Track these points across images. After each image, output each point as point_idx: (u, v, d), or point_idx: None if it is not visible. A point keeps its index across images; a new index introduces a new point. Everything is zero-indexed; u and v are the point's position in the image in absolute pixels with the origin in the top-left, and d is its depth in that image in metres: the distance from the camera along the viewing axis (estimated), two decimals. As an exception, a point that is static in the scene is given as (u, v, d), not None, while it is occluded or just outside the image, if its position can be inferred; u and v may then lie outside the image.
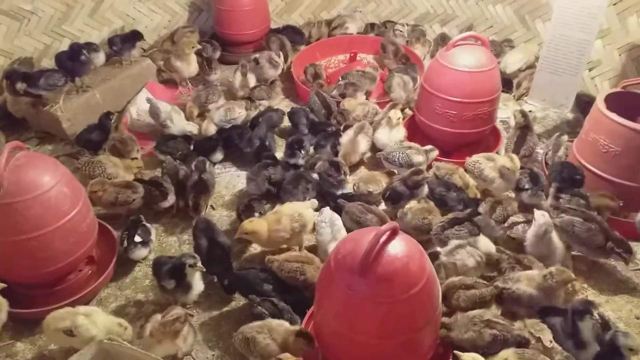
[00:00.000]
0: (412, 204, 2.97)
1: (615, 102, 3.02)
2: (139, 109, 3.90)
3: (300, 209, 2.80)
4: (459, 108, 3.31)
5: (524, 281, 2.45)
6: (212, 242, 2.68)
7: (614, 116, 2.90)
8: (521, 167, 3.20)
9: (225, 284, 2.61)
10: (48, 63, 4.11)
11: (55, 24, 4.24)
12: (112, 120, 3.59)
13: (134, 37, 4.22)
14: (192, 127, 3.70)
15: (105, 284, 2.74)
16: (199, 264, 2.48)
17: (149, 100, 3.66)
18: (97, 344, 2.20)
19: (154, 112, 3.61)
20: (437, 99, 3.35)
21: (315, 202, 2.93)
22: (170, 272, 2.45)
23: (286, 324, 2.25)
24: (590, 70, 4.19)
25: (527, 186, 3.03)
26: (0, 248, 2.38)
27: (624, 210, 2.99)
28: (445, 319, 2.26)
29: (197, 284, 2.52)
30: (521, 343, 2.21)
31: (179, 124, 3.65)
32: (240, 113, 3.76)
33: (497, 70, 3.36)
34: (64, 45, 4.23)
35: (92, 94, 3.86)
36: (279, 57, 4.39)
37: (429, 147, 3.37)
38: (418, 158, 3.28)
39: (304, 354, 2.17)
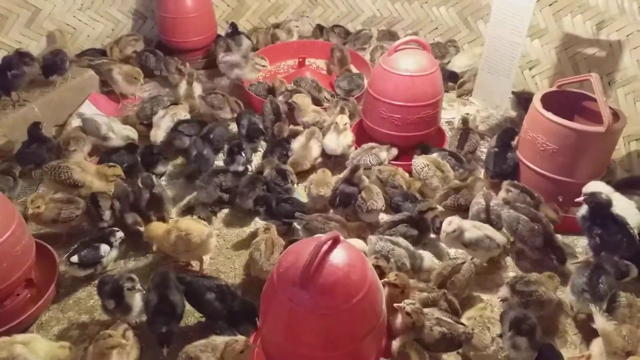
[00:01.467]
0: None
1: (552, 101, 3.13)
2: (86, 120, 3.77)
3: (192, 229, 2.69)
4: (403, 112, 3.35)
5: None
6: (163, 298, 2.41)
7: (549, 115, 3.00)
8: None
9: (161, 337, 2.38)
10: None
11: (-11, 35, 4.07)
12: (42, 130, 3.47)
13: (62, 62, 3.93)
14: (132, 133, 3.65)
15: (45, 307, 2.64)
16: (137, 286, 2.42)
17: (83, 119, 3.58)
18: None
19: (92, 127, 3.52)
20: (381, 103, 3.39)
21: (211, 232, 2.76)
22: (110, 293, 2.38)
23: (229, 340, 2.21)
24: (530, 69, 4.32)
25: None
26: None
27: (563, 205, 3.10)
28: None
29: (137, 305, 2.45)
30: (461, 343, 2.30)
31: (120, 133, 3.60)
32: (185, 116, 3.73)
33: (438, 73, 3.42)
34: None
35: (29, 108, 3.72)
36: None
37: (387, 145, 3.47)
38: (383, 155, 3.39)
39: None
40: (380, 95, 3.38)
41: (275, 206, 2.98)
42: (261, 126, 3.62)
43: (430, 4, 4.83)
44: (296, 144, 3.49)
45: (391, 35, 4.90)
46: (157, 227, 2.79)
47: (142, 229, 2.91)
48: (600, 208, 2.72)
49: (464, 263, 2.62)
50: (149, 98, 3.95)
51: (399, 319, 2.27)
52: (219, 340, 2.20)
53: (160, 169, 3.48)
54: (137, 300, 2.44)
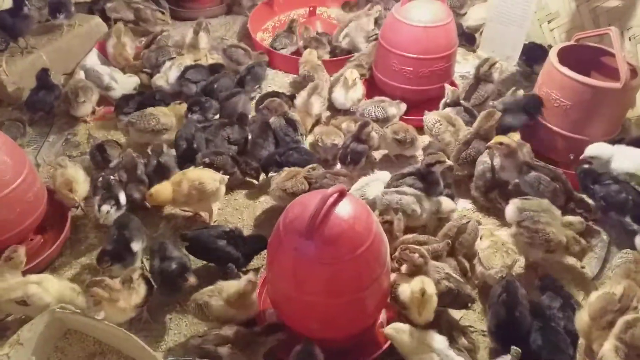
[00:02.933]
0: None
1: (569, 55, 3.04)
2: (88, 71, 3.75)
3: (204, 178, 2.70)
4: (416, 64, 3.28)
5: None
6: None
7: (565, 70, 2.92)
8: None
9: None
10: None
11: (-6, -20, 3.99)
12: (50, 76, 3.46)
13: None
14: (135, 81, 3.64)
15: (58, 252, 2.70)
16: None
17: (85, 70, 3.55)
18: (49, 313, 2.20)
19: (94, 77, 3.51)
20: (393, 55, 3.32)
21: (225, 178, 2.79)
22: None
23: (235, 282, 2.26)
24: (549, 22, 4.17)
25: None
26: (-57, 221, 2.32)
27: (574, 163, 3.06)
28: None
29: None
30: (466, 303, 2.33)
31: (123, 82, 3.59)
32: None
33: (453, 24, 3.32)
34: (6, 4, 3.99)
35: (37, 55, 3.69)
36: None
37: (397, 101, 3.38)
38: (392, 110, 3.30)
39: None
40: (392, 47, 3.30)
41: (283, 155, 2.98)
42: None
43: (448, -49, 4.62)
44: (298, 100, 3.43)
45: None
46: (162, 187, 2.71)
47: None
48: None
49: (468, 222, 2.60)
50: (155, 48, 3.89)
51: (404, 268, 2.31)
52: (225, 284, 2.25)
53: None
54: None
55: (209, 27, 4.12)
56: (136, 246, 2.49)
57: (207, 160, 2.92)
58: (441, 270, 2.34)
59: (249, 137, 3.22)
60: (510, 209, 2.58)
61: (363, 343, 2.24)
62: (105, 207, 2.62)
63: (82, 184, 2.78)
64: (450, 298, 2.32)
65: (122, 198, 2.70)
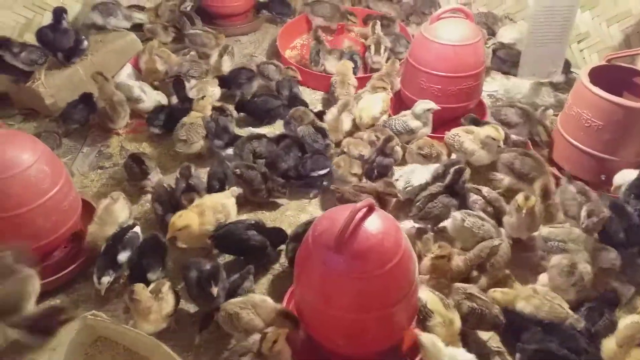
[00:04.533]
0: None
1: (600, 75, 3.01)
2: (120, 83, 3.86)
3: (222, 200, 2.74)
4: (444, 82, 3.30)
5: None
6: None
7: (597, 90, 2.90)
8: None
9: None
10: (31, 38, 4.03)
11: (37, -3, 4.16)
12: (95, 100, 3.58)
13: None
14: (162, 97, 3.72)
15: (91, 260, 2.73)
16: None
17: (117, 83, 3.67)
18: (81, 320, 2.26)
19: (125, 90, 3.60)
20: (421, 73, 3.34)
21: (235, 190, 2.85)
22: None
23: (269, 300, 2.29)
24: (578, 42, 4.16)
25: None
26: (-18, 226, 2.40)
27: (606, 184, 3.01)
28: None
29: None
30: (497, 325, 2.29)
31: (151, 96, 3.69)
32: (213, 91, 3.74)
33: (481, 43, 3.33)
34: (47, 20, 4.15)
35: (74, 69, 3.81)
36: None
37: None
38: (414, 123, 3.31)
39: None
40: (421, 65, 3.33)
41: (303, 164, 3.06)
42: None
43: (476, -28, 4.66)
44: (328, 116, 3.45)
45: (431, 3, 4.74)
46: (187, 216, 2.62)
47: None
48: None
49: (501, 244, 2.55)
50: (190, 60, 3.99)
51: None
52: (257, 297, 2.28)
53: None
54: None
55: (234, 51, 4.18)
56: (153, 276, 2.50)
57: (237, 171, 2.96)
58: (462, 290, 2.32)
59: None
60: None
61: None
62: (105, 279, 2.51)
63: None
64: (476, 319, 2.29)
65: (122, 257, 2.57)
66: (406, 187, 2.94)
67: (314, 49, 4.18)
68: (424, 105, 3.27)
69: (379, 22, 4.35)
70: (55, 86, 3.70)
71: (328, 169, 3.07)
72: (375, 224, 1.94)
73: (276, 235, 2.73)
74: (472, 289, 2.34)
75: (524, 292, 2.40)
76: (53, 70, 3.75)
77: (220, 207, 2.70)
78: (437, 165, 2.99)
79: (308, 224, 2.52)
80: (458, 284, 2.38)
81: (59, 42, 3.68)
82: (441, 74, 3.28)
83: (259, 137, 3.28)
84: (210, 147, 3.37)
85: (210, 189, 2.97)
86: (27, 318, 2.20)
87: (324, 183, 3.11)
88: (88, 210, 2.81)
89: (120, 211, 2.74)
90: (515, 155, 3.01)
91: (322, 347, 2.12)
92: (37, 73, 3.66)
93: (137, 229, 2.68)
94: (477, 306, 2.28)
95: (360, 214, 1.93)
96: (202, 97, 3.45)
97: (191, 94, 3.67)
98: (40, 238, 2.49)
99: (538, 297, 2.35)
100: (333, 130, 3.38)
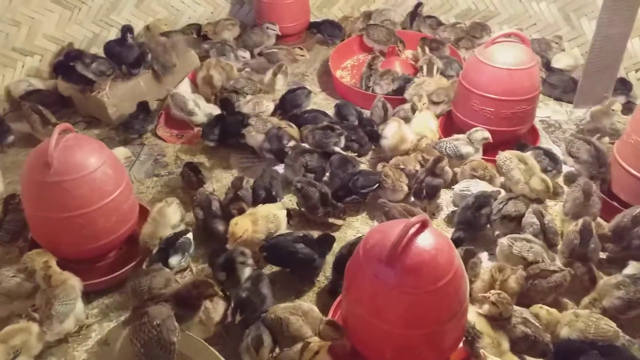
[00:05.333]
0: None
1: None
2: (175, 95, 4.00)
3: (274, 211, 2.79)
4: (497, 105, 3.28)
5: None
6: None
7: (658, 118, 2.82)
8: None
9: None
10: (97, 51, 4.28)
11: (104, 14, 4.44)
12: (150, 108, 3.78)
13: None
14: (215, 111, 3.81)
15: (143, 262, 2.83)
16: (249, 261, 2.57)
17: (171, 95, 3.81)
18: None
19: (180, 102, 3.74)
20: (474, 95, 3.33)
21: (285, 203, 2.88)
22: (222, 266, 2.53)
23: (315, 309, 2.31)
24: (636, 71, 4.07)
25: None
26: (48, 224, 2.53)
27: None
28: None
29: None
30: (545, 353, 2.24)
31: (204, 109, 3.80)
32: (267, 106, 3.82)
33: (536, 68, 3.31)
34: (112, 35, 4.42)
35: (136, 82, 4.00)
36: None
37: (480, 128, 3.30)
38: (466, 149, 3.27)
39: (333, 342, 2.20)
40: (474, 87, 3.33)
41: (354, 181, 3.08)
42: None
43: (531, -2, 4.66)
44: (389, 131, 3.40)
45: (482, 28, 4.75)
46: (243, 222, 2.70)
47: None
48: None
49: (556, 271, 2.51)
50: (246, 77, 4.13)
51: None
52: (305, 305, 2.31)
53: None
54: (246, 274, 2.56)
55: (287, 70, 4.26)
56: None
57: (298, 185, 3.01)
58: (519, 315, 2.28)
59: (327, 167, 3.31)
60: None
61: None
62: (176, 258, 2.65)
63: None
64: (527, 345, 2.25)
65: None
66: (462, 191, 2.97)
67: (365, 74, 4.24)
68: (481, 134, 3.25)
69: (428, 44, 4.40)
70: (117, 97, 3.90)
71: (377, 184, 3.10)
72: (429, 239, 1.94)
73: (324, 243, 2.77)
74: (526, 313, 2.30)
75: (565, 318, 2.34)
76: (117, 82, 3.96)
77: (272, 217, 2.76)
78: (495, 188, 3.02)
79: (353, 244, 2.57)
80: (517, 308, 2.33)
81: (125, 56, 3.89)
82: (494, 97, 3.27)
83: (312, 151, 3.35)
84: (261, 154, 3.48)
85: (256, 199, 3.03)
86: (175, 293, 2.39)
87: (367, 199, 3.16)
88: (143, 215, 2.92)
89: (172, 214, 2.84)
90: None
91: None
92: (102, 84, 3.87)
93: (190, 235, 2.76)
94: (531, 332, 2.24)
95: (413, 229, 1.94)
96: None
97: (246, 108, 3.77)
98: (100, 238, 2.60)
99: (581, 319, 2.29)
100: (398, 141, 3.35)
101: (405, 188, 3.12)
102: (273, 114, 3.83)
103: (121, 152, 3.30)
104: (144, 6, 4.67)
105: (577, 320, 2.30)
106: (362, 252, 2.01)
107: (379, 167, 3.21)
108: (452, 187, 3.12)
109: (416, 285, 1.89)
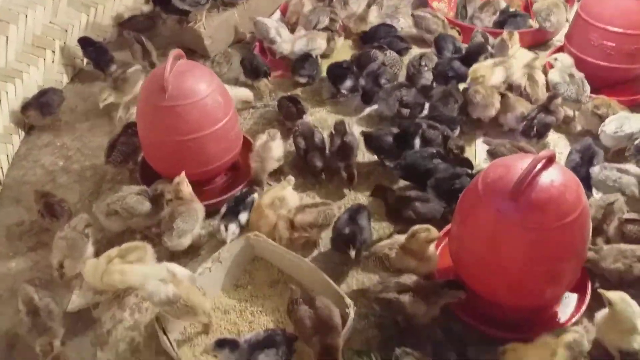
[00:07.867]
0: None
1: None
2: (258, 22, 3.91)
3: (279, 193, 2.62)
4: (620, 40, 3.01)
5: None
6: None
7: None
8: None
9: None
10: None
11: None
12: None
13: None
14: (302, 42, 3.72)
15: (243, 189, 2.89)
16: None
17: (255, 22, 3.76)
18: (245, 239, 2.45)
19: (262, 29, 3.71)
20: (594, 28, 3.07)
21: (291, 180, 2.70)
22: None
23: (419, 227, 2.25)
24: None
25: None
26: (163, 146, 2.65)
27: None
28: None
29: None
30: None
31: (286, 38, 3.74)
32: (320, 43, 3.72)
33: (670, -2, 2.97)
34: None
35: (230, 13, 3.99)
36: None
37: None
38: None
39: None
40: (593, 19, 3.06)
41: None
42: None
43: None
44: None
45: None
46: (266, 219, 2.55)
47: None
48: None
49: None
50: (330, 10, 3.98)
51: None
52: (403, 238, 2.28)
53: (347, 83, 3.46)
54: None
55: (383, 1, 4.09)
56: None
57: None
58: (629, 254, 2.19)
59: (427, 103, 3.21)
60: None
61: (540, 315, 2.16)
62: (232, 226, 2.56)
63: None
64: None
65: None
66: (616, 132, 2.75)
67: (460, 2, 4.01)
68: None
69: None
70: (213, 27, 3.91)
71: None
72: (556, 175, 1.86)
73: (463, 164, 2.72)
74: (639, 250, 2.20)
75: None
76: (212, 13, 3.95)
77: (278, 201, 2.59)
78: None
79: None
80: (622, 245, 2.23)
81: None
82: (618, 30, 2.99)
83: (408, 86, 3.25)
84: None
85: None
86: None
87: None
88: (245, 145, 2.98)
89: (276, 148, 2.88)
90: None
91: (477, 293, 2.09)
92: (198, 15, 3.89)
93: (256, 195, 2.73)
94: None
95: (540, 164, 1.85)
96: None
97: (299, 44, 3.67)
98: (209, 163, 2.70)
99: None
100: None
101: (497, 104, 2.97)
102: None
103: (242, 93, 3.36)
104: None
105: None
106: (481, 187, 1.95)
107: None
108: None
109: (541, 221, 1.83)
